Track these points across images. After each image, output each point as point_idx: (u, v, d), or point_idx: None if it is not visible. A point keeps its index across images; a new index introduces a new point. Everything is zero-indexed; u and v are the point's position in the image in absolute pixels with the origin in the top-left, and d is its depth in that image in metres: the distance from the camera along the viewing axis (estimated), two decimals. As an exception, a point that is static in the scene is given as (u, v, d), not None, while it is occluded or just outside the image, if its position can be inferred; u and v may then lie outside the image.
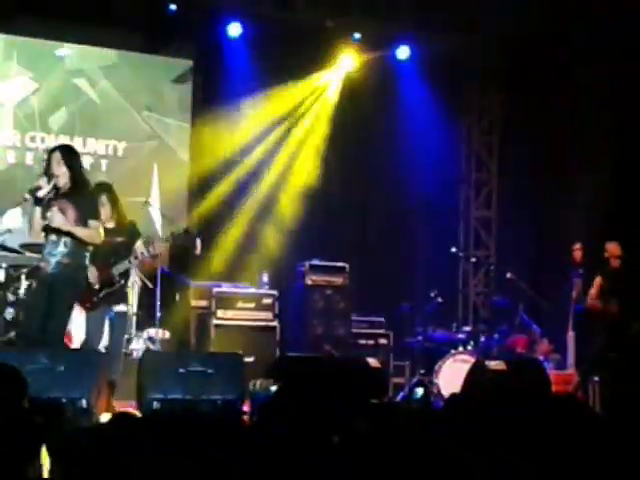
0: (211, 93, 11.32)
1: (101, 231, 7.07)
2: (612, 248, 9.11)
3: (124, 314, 7.79)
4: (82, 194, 7.03)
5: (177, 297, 10.22)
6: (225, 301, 9.95)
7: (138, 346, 9.19)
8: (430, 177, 11.97)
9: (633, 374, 8.56)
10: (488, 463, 2.34)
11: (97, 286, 7.47)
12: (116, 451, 2.95)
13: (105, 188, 7.77)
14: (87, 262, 7.04)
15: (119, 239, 7.61)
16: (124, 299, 7.74)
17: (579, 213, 11.39)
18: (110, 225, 7.57)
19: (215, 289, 9.98)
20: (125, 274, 7.65)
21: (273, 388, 6.54)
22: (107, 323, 7.65)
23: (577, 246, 10.12)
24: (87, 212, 6.95)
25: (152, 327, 9.36)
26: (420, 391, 8.80)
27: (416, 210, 11.99)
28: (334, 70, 11.88)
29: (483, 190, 12.84)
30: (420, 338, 10.52)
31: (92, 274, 7.35)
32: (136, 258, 7.64)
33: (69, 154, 7.08)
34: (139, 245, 7.65)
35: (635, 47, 10.31)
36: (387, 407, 4.14)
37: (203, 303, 10.07)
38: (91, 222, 6.95)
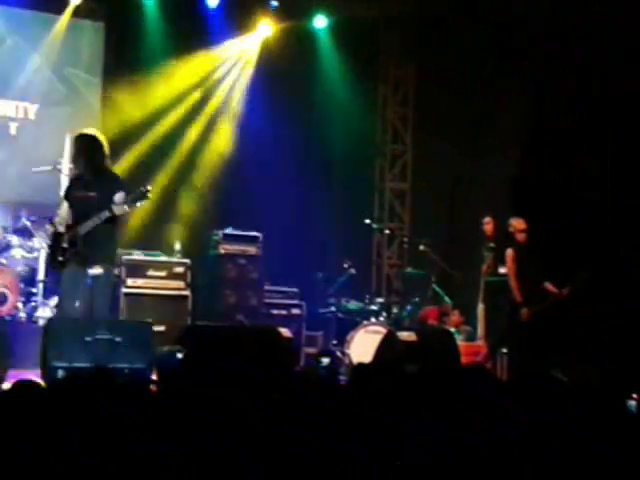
0: (124, 56, 11.06)
1: None
2: (516, 223, 9.22)
3: (101, 277, 7.13)
4: None
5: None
6: (136, 269, 9.78)
7: (45, 314, 8.97)
8: (345, 147, 11.96)
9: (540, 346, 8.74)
10: (389, 430, 2.33)
11: (65, 244, 7.09)
12: (15, 419, 2.86)
13: (76, 137, 7.38)
14: None
15: (92, 193, 7.15)
16: (100, 260, 7.12)
17: (492, 187, 11.52)
18: (85, 177, 7.20)
19: (125, 257, 9.80)
20: (97, 235, 7.04)
21: (180, 356, 6.45)
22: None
23: (487, 220, 10.27)
24: None
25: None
26: (326, 360, 8.82)
27: (331, 180, 11.97)
28: (251, 37, 11.74)
29: (398, 162, 12.89)
30: (333, 309, 10.56)
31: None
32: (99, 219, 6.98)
33: None
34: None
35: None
36: (295, 376, 4.12)
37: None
38: None
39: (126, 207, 7.05)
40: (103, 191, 7.13)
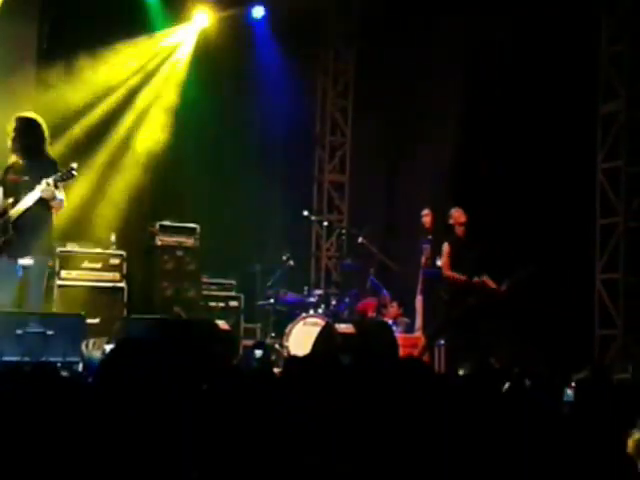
0: (59, 38, 10.81)
1: None
2: (457, 215, 9.24)
3: (33, 267, 6.96)
4: None
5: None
6: (70, 261, 9.60)
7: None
8: (284, 139, 11.89)
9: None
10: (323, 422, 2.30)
11: None
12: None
13: (16, 119, 7.16)
14: None
15: (24, 177, 6.97)
16: (33, 250, 6.94)
17: (431, 179, 11.56)
18: (20, 160, 7.02)
19: (59, 248, 9.61)
20: (30, 222, 6.89)
21: (108, 347, 6.34)
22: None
23: (426, 212, 10.30)
24: None
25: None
26: (259, 352, 8.75)
27: (269, 172, 11.89)
28: (188, 27, 11.58)
29: (337, 154, 12.87)
30: (271, 301, 10.50)
31: None
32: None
33: None
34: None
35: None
36: (231, 369, 4.07)
37: (46, 262, 9.67)
38: None
39: (52, 189, 6.86)
40: (36, 176, 6.95)
